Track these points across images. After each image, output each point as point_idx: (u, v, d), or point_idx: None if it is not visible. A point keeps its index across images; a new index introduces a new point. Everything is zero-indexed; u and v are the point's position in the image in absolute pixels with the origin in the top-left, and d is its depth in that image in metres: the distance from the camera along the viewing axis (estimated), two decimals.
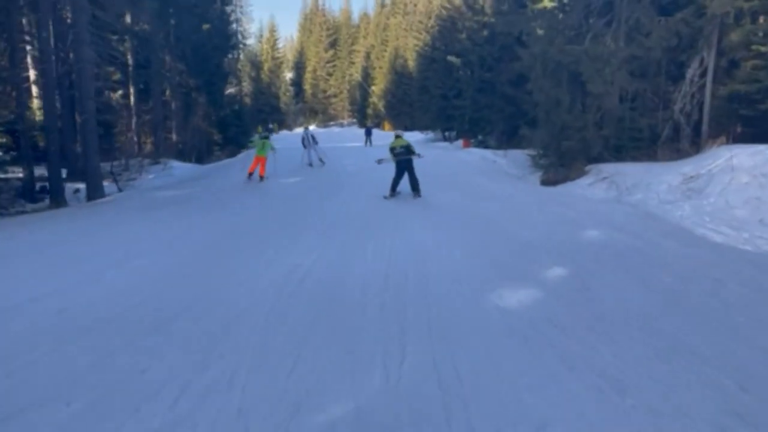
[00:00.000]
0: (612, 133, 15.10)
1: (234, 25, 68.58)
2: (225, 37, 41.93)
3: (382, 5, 65.84)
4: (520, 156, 23.02)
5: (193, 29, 28.75)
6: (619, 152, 15.18)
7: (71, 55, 16.09)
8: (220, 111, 34.35)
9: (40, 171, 15.58)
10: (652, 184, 11.89)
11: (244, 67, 65.85)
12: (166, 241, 7.83)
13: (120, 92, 28.24)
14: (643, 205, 10.75)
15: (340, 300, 5.07)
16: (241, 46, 68.05)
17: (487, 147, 27.21)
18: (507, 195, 12.61)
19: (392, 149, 12.29)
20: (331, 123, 66.45)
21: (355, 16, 71.31)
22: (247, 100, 65.44)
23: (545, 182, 16.44)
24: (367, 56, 62.22)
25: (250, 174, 16.17)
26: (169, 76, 30.25)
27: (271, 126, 48.34)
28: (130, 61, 28.13)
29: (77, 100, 14.66)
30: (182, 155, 27.71)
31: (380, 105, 55.79)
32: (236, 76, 66.70)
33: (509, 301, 4.86)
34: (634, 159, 14.79)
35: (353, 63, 65.78)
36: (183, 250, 7.10)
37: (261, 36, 67.00)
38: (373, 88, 57.83)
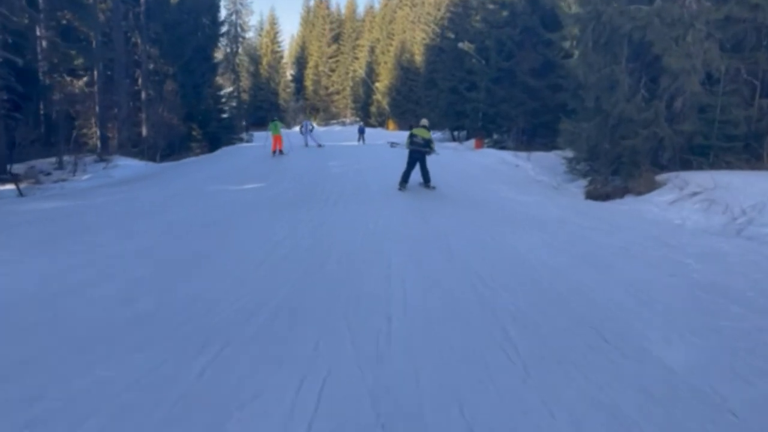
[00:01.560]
0: (694, 127, 10.52)
1: (233, 17, 64.78)
2: (214, 24, 37.84)
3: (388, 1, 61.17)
4: (547, 159, 18.51)
5: (161, 5, 24.37)
6: (704, 155, 10.61)
7: None
8: (200, 103, 30.01)
9: None
10: None
11: (242, 62, 61.84)
12: None
13: (85, 79, 23.93)
14: None
15: None
16: (240, 39, 64.26)
17: (503, 148, 22.68)
18: (553, 218, 8.06)
19: (411, 136, 10.92)
20: (333, 121, 61.88)
21: (361, 9, 66.80)
22: (245, 95, 61.37)
23: (592, 195, 11.89)
24: (372, 51, 57.59)
25: (274, 151, 18.79)
26: (139, 61, 26.00)
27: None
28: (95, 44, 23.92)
29: None
30: (144, 152, 23.42)
31: (384, 102, 51.29)
32: (234, 71, 62.92)
33: None
34: (728, 165, 10.26)
35: (357, 58, 61.13)
36: None
37: (261, 29, 62.60)
38: (377, 84, 53.30)
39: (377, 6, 64.35)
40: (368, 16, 64.02)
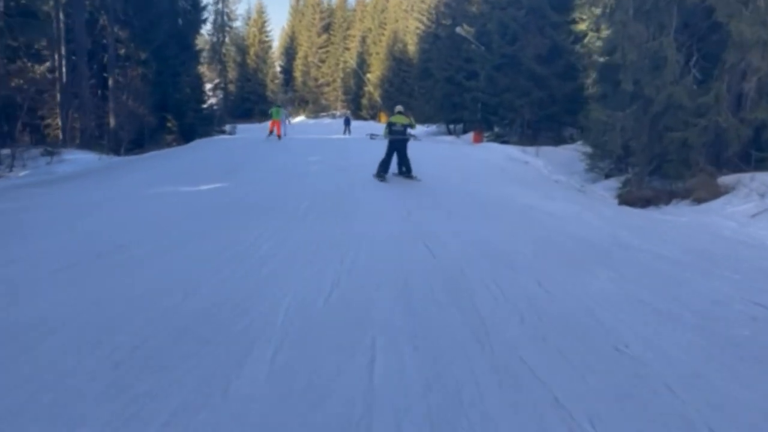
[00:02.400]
0: (766, 116, 8.16)
1: (219, 5, 61.88)
2: (195, 9, 35.18)
3: None
4: (557, 155, 16.18)
5: None
6: None
7: None
8: (177, 92, 27.39)
9: None
10: None
11: (228, 52, 59.13)
12: None
13: (47, 64, 21.38)
14: None
15: None
16: (227, 28, 61.46)
17: (504, 142, 20.31)
18: (604, 239, 5.65)
19: (391, 125, 9.96)
20: (323, 114, 59.03)
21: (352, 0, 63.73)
22: (232, 87, 58.65)
23: (627, 200, 9.52)
24: (363, 41, 54.77)
25: (270, 133, 19.64)
26: (106, 44, 23.37)
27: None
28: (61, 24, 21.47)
29: None
30: (109, 144, 20.91)
31: (376, 94, 48.72)
32: (221, 61, 60.15)
33: None
34: None
35: (348, 49, 58.21)
36: None
37: (249, 18, 59.64)
38: (369, 75, 50.65)
39: None
40: (359, 5, 61.14)
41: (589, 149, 12.62)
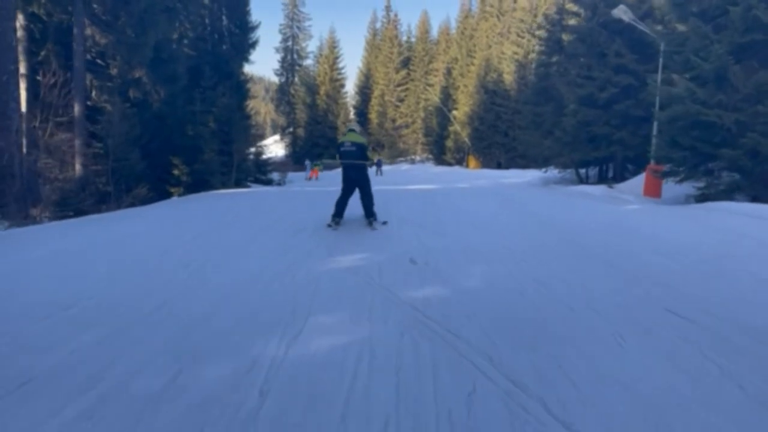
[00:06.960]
0: None
1: (289, 42, 55.74)
2: (243, 30, 27.74)
3: (467, 13, 49.57)
4: None
5: None
6: None
7: None
8: (191, 128, 19.33)
9: None
10: None
11: (297, 92, 52.46)
12: None
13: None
14: None
15: None
16: (296, 67, 54.84)
17: (706, 195, 9.96)
18: None
19: (339, 146, 6.96)
20: (400, 159, 50.44)
21: (435, 32, 55.46)
22: (300, 131, 51.75)
23: None
24: (449, 73, 45.92)
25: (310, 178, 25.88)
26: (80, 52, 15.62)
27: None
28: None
29: None
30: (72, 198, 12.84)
31: (464, 134, 39.35)
32: (289, 103, 53.24)
33: None
34: None
35: (430, 85, 49.51)
36: None
37: (320, 55, 52.99)
38: (455, 112, 41.55)
39: (454, 24, 53.13)
40: (443, 34, 52.72)
41: None
